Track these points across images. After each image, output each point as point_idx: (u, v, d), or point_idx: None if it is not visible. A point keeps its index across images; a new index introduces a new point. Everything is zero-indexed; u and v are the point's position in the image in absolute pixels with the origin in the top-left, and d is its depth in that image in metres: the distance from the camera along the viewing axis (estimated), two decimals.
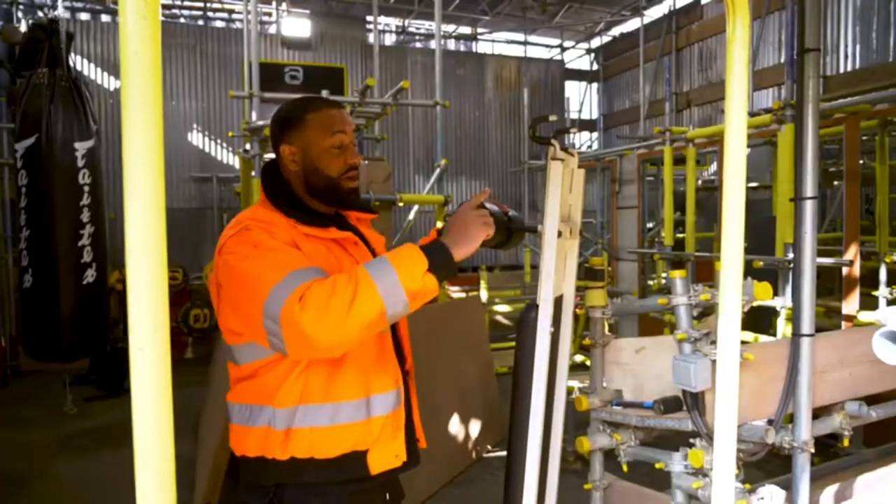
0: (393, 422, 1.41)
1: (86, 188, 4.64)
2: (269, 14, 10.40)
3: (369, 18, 8.80)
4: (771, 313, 4.68)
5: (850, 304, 4.00)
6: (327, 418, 1.34)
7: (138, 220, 0.63)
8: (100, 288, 4.78)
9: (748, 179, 7.61)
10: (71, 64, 5.06)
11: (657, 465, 1.85)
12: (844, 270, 4.12)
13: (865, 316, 3.02)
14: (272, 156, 1.55)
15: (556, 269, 1.72)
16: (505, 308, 8.00)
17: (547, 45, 12.57)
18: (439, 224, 1.79)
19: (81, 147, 4.64)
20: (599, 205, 8.68)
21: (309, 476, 1.34)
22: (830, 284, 5.12)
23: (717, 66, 9.22)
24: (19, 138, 4.54)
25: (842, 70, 7.52)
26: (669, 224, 5.68)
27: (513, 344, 3.06)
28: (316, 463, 1.34)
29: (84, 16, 9.75)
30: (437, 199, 4.59)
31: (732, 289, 1.06)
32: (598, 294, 2.09)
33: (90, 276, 4.64)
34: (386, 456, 1.40)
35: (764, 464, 2.94)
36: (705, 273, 7.17)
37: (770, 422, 1.81)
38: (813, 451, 1.79)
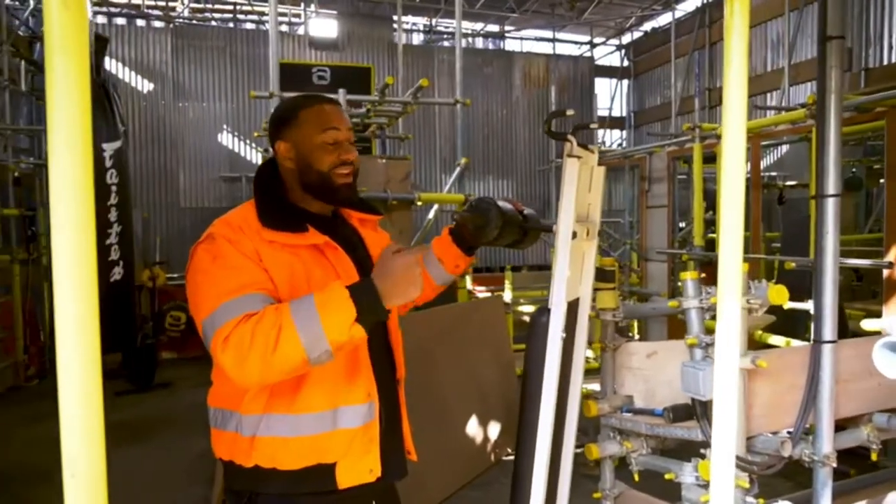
0: (364, 435, 1.37)
1: (113, 188, 4.74)
2: (298, 16, 10.50)
3: (396, 18, 8.79)
4: (805, 317, 4.50)
5: (892, 309, 3.80)
6: (289, 429, 1.32)
7: (63, 211, 0.60)
8: (127, 285, 4.88)
9: (784, 178, 7.37)
10: (106, 67, 5.19)
11: (667, 476, 1.77)
12: (885, 273, 3.92)
13: (869, 324, 2.85)
14: None
15: (572, 271, 1.65)
16: (530, 308, 7.90)
17: (576, 42, 12.39)
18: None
19: (109, 148, 4.74)
20: (628, 204, 8.50)
21: (274, 487, 1.33)
22: (875, 287, 4.89)
23: (752, 59, 8.93)
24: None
25: (885, 62, 7.20)
26: (699, 224, 5.51)
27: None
28: (279, 474, 1.32)
29: (120, 20, 9.99)
30: (457, 199, 4.54)
31: (731, 288, 0.99)
32: (608, 296, 2.02)
33: (117, 273, 4.74)
34: (356, 470, 1.36)
35: (794, 474, 2.81)
36: None
37: (789, 433, 1.71)
38: (835, 465, 1.69)
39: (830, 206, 1.59)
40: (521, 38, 12.23)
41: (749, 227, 5.89)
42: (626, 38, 12.29)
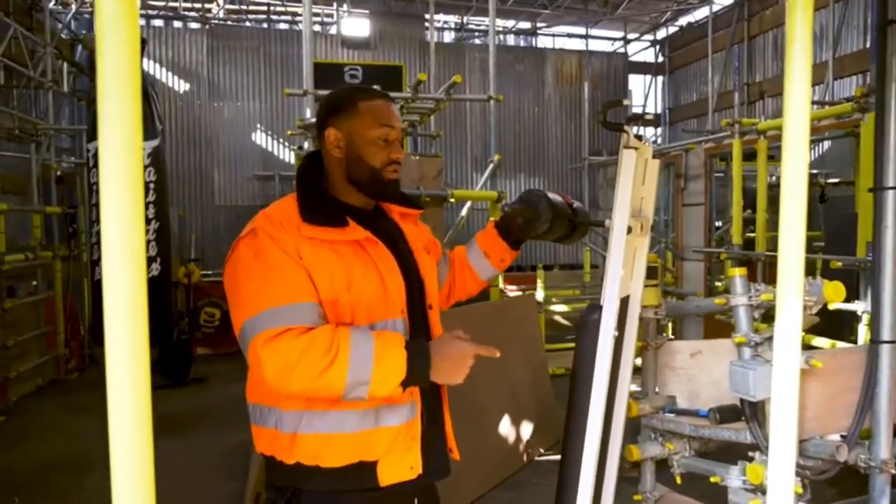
0: (406, 433, 1.35)
1: (151, 185, 4.82)
2: (331, 15, 10.58)
3: (428, 16, 8.78)
4: (852, 318, 4.34)
5: None
6: (332, 426, 1.30)
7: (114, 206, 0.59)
8: (163, 281, 4.96)
9: (826, 175, 7.13)
10: (144, 67, 5.30)
11: (712, 479, 1.70)
12: None
13: None
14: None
15: (624, 267, 1.60)
16: (562, 308, 7.82)
17: (609, 38, 12.21)
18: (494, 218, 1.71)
19: (147, 146, 4.82)
20: (663, 201, 8.33)
21: (316, 484, 1.32)
22: None
23: None
24: (90, 139, 4.77)
25: None
26: (738, 222, 5.37)
27: (570, 345, 2.95)
28: (322, 471, 1.31)
29: (157, 22, 10.20)
30: (490, 196, 4.50)
31: (792, 284, 0.94)
32: (650, 293, 1.96)
33: (154, 269, 4.83)
34: (398, 468, 1.34)
35: (839, 480, 2.70)
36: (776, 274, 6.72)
37: (843, 437, 1.64)
38: (894, 471, 1.60)
39: (891, 198, 1.51)
40: (554, 35, 12.11)
41: None
42: (661, 34, 12.06)
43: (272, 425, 1.33)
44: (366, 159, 1.40)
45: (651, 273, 1.97)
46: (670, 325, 7.26)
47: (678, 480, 1.93)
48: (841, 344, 4.10)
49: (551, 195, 1.50)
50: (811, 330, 4.40)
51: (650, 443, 1.93)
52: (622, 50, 11.96)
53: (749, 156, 5.74)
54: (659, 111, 12.12)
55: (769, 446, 0.97)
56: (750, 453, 1.60)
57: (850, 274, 4.32)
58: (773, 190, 9.09)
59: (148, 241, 4.83)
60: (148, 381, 0.61)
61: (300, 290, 1.27)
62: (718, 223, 7.61)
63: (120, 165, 0.59)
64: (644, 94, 11.90)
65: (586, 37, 11.74)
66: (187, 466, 4.16)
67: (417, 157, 4.14)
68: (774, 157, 8.56)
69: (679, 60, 11.66)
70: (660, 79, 12.07)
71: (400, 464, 1.35)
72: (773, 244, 7.98)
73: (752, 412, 1.51)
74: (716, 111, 9.41)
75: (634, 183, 1.48)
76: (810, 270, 6.17)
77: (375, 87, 4.08)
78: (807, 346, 4.53)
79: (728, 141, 5.70)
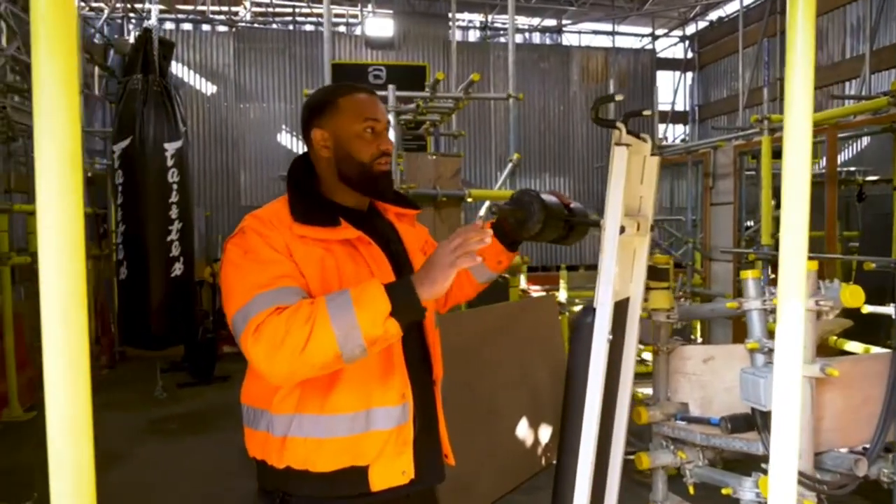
0: (397, 437, 1.32)
1: (174, 186, 4.89)
2: (356, 16, 10.63)
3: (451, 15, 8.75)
4: (888, 322, 4.16)
5: None
6: (322, 430, 1.28)
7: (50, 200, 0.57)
8: (187, 281, 5.03)
9: (864, 173, 6.87)
10: (171, 70, 5.38)
11: (724, 491, 1.63)
12: None
13: None
14: None
15: (622, 268, 1.55)
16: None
17: (637, 35, 12.01)
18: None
19: (171, 147, 4.89)
20: (690, 201, 8.15)
21: (306, 489, 1.29)
22: None
23: (828, 46, 8.39)
24: (116, 140, 4.86)
25: None
26: (767, 222, 5.20)
27: None
28: (312, 476, 1.28)
29: (186, 26, 10.38)
30: (508, 195, 4.43)
31: (793, 287, 0.87)
32: (662, 295, 1.89)
33: (178, 269, 4.90)
34: (390, 473, 1.31)
35: (871, 492, 2.58)
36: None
37: (865, 450, 1.55)
38: None
39: None
40: (580, 32, 11.96)
41: (824, 225, 5.52)
42: (690, 29, 11.81)
43: (263, 428, 1.31)
44: (354, 155, 1.37)
45: (662, 275, 1.90)
46: (698, 327, 7.10)
47: (691, 490, 1.85)
48: (876, 349, 3.93)
49: (544, 196, 1.45)
50: (844, 333, 4.23)
51: (661, 451, 1.86)
52: (650, 46, 11.74)
53: (780, 153, 5.56)
54: (687, 108, 11.88)
55: (769, 461, 0.91)
56: (763, 465, 1.52)
57: (888, 276, 4.14)
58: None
59: (171, 241, 4.90)
60: (87, 383, 0.59)
61: (285, 276, 1.24)
62: (749, 223, 7.41)
63: (57, 156, 0.56)
64: (672, 90, 11.67)
65: (613, 33, 11.57)
66: (210, 463, 4.21)
67: (434, 157, 4.11)
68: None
69: (709, 56, 11.40)
70: (689, 75, 11.83)
71: (391, 469, 1.32)
72: (811, 245, 7.73)
73: (764, 422, 1.44)
74: (747, 108, 9.15)
75: (630, 181, 1.42)
76: (846, 272, 5.95)
77: (390, 85, 4.04)
78: (839, 351, 4.36)
79: (758, 138, 5.53)
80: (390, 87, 3.91)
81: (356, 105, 1.39)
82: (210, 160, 9.81)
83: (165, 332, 4.91)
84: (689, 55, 11.82)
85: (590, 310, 1.41)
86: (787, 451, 0.90)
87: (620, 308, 1.57)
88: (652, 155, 1.64)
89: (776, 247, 5.32)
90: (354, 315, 1.14)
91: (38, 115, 0.56)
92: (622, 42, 11.81)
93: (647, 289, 1.97)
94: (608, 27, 11.59)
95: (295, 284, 1.24)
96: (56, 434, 0.58)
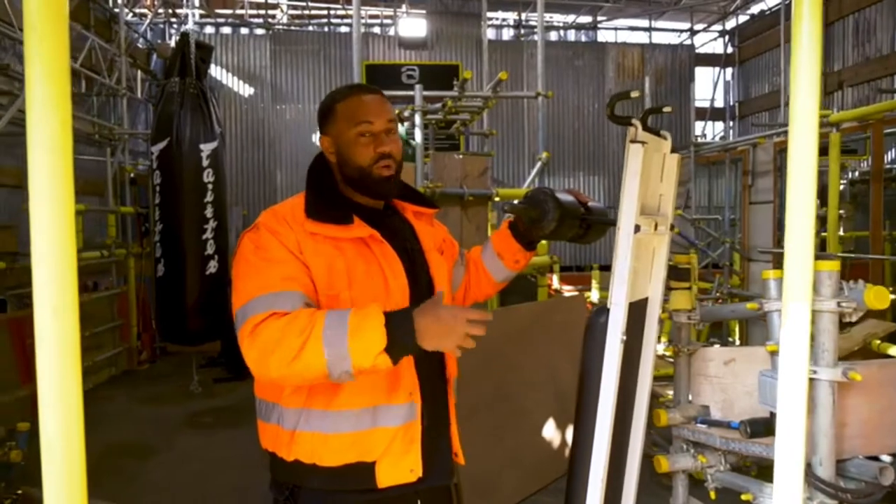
0: (405, 435, 1.33)
1: (209, 186, 5.03)
2: (390, 17, 10.70)
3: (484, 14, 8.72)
4: None
5: None
6: (328, 425, 1.30)
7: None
8: (222, 278, 5.16)
9: None
10: (210, 73, 5.53)
11: (743, 497, 1.59)
12: None
13: None
14: None
15: (642, 267, 1.53)
16: None
17: (675, 30, 11.76)
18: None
19: (206, 148, 5.03)
20: (728, 200, 7.94)
21: (314, 482, 1.32)
22: None
23: (877, 38, 8.06)
24: (154, 141, 5.03)
25: None
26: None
27: None
28: (320, 470, 1.31)
29: (226, 30, 10.63)
30: None
31: (798, 288, 0.85)
32: (683, 296, 1.86)
33: (213, 267, 5.03)
34: (397, 470, 1.32)
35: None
36: (858, 276, 6.26)
37: (894, 457, 1.49)
38: None
39: None
40: (615, 29, 11.78)
41: (869, 224, 5.31)
42: (731, 24, 11.50)
43: (274, 421, 1.34)
44: (353, 160, 1.39)
45: (683, 275, 1.86)
46: (737, 328, 6.92)
47: (712, 496, 1.81)
48: None
49: (560, 194, 1.44)
50: (890, 338, 4.06)
51: (681, 454, 1.83)
52: (688, 42, 11.48)
53: (822, 150, 5.37)
54: (727, 105, 11.58)
55: (774, 469, 0.88)
56: None
57: None
58: (855, 186, 8.49)
59: (206, 240, 5.04)
60: (79, 377, 0.61)
61: (290, 279, 1.26)
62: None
63: (50, 159, 0.59)
64: (712, 87, 11.39)
65: (649, 29, 11.36)
66: (241, 456, 4.31)
67: (462, 156, 4.11)
68: (857, 150, 7.99)
69: (749, 51, 11.08)
70: (728, 70, 11.52)
71: (399, 466, 1.33)
72: (858, 245, 7.43)
73: None
74: (788, 103, 8.87)
75: (650, 180, 1.40)
76: (895, 273, 5.71)
77: (417, 86, 4.05)
78: (882, 355, 4.18)
79: None
80: (416, 86, 3.93)
81: (351, 110, 1.40)
82: (247, 160, 10.03)
83: (201, 329, 5.05)
84: (729, 50, 11.51)
85: (603, 310, 1.39)
86: (792, 457, 0.88)
87: (639, 308, 1.55)
88: (672, 152, 1.62)
89: (823, 247, 5.15)
90: (347, 346, 1.15)
91: (31, 125, 0.59)
92: (659, 38, 11.58)
93: (668, 289, 1.94)
94: (645, 23, 11.38)
95: (298, 288, 1.26)
96: (49, 427, 0.61)
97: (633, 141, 1.34)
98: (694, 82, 10.56)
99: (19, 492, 2.55)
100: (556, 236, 1.49)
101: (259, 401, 1.40)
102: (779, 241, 6.39)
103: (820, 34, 0.87)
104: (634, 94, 1.39)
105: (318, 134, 1.49)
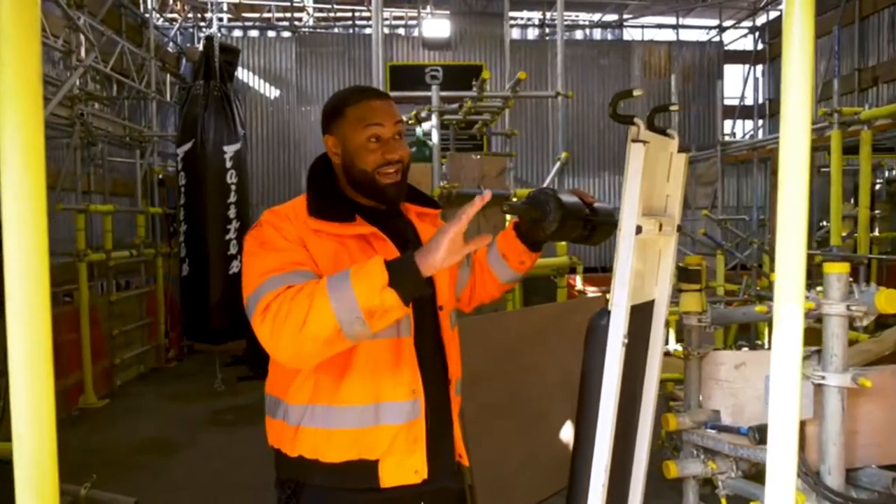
0: (408, 433, 1.33)
1: (233, 187, 5.12)
2: (414, 17, 10.73)
3: (510, 14, 8.69)
4: None
5: None
6: (331, 421, 1.30)
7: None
8: None
9: None
10: (237, 75, 5.63)
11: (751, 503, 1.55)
12: None
13: None
14: None
15: (648, 269, 1.51)
16: None
17: (703, 27, 11.54)
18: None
19: (230, 150, 5.12)
20: (756, 200, 7.77)
21: (317, 479, 1.32)
22: None
23: None
24: (179, 143, 5.14)
25: None
26: (836, 221, 4.90)
27: None
28: (322, 466, 1.31)
29: (253, 33, 10.78)
30: None
31: (790, 289, 0.83)
32: (692, 298, 1.82)
33: (235, 266, 5.12)
34: (401, 470, 1.33)
35: None
36: (894, 278, 6.07)
37: None
38: None
39: None
40: (642, 27, 11.62)
41: None
42: (761, 19, 11.24)
43: (280, 417, 1.35)
44: (358, 164, 1.39)
45: (693, 277, 1.83)
46: (766, 331, 6.76)
47: (723, 503, 1.77)
48: None
49: (562, 194, 1.42)
50: None
51: (691, 460, 1.79)
52: (717, 38, 11.26)
53: (852, 149, 5.22)
54: (757, 103, 11.32)
55: (766, 480, 0.86)
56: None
57: None
58: (892, 185, 8.22)
59: (230, 240, 5.13)
60: (50, 375, 0.62)
61: (297, 263, 1.27)
62: (824, 223, 7.00)
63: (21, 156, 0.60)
64: (742, 84, 11.15)
65: (676, 27, 11.17)
66: (260, 454, 4.35)
67: (479, 156, 4.10)
68: (894, 148, 7.72)
69: (781, 47, 10.81)
70: (759, 68, 11.26)
71: (403, 466, 1.33)
72: (890, 246, 7.19)
73: None
74: (821, 100, 8.64)
75: (655, 179, 1.37)
76: None
77: (434, 86, 4.04)
78: None
79: (829, 132, 5.21)
80: (433, 87, 3.93)
81: (361, 114, 1.40)
82: (273, 161, 10.16)
83: (224, 328, 5.14)
84: (760, 46, 11.26)
85: (605, 312, 1.37)
86: (784, 466, 0.85)
87: (644, 310, 1.52)
88: (679, 152, 1.58)
89: (854, 248, 5.00)
90: (351, 287, 1.15)
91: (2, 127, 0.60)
92: (687, 35, 11.38)
93: (679, 291, 1.90)
94: (672, 20, 11.20)
95: (305, 269, 1.26)
96: (20, 425, 0.62)
97: (634, 140, 1.32)
98: (722, 80, 10.34)
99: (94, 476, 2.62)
100: (560, 237, 1.48)
101: (267, 396, 1.41)
102: (810, 242, 6.22)
103: (812, 28, 0.84)
104: (637, 93, 1.37)
105: None
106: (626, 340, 1.33)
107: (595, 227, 1.52)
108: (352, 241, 1.35)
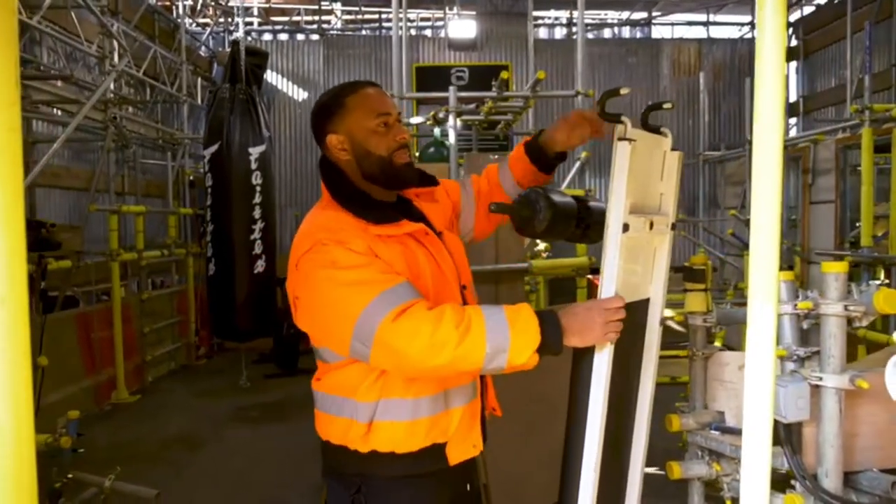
0: (470, 412, 1.39)
1: (258, 188, 5.23)
2: (440, 18, 10.77)
3: (536, 13, 8.66)
4: None
5: None
6: (408, 413, 1.32)
7: None
8: (268, 277, 5.36)
9: None
10: (266, 78, 5.75)
11: None
12: None
13: None
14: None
15: (642, 268, 1.51)
16: (668, 312, 7.36)
17: (735, 24, 11.31)
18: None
19: (255, 152, 5.23)
20: (787, 199, 7.58)
21: (391, 470, 1.34)
22: None
23: None
24: (206, 145, 5.28)
25: None
26: (867, 221, 4.76)
27: (675, 352, 2.77)
28: (397, 457, 1.33)
29: (283, 36, 10.96)
30: (577, 194, 4.35)
31: (763, 289, 0.83)
32: (697, 298, 1.81)
33: (260, 266, 5.23)
34: (464, 446, 1.38)
35: None
36: None
37: None
38: None
39: None
40: (671, 24, 11.44)
41: None
42: (795, 15, 10.96)
43: (347, 415, 1.34)
44: (373, 151, 1.38)
45: (698, 276, 1.81)
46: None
47: None
48: None
49: (553, 194, 1.43)
50: None
51: (695, 461, 1.78)
52: (749, 35, 11.03)
53: (883, 147, 5.07)
54: (793, 99, 11.04)
55: (740, 484, 0.86)
56: (792, 481, 1.42)
57: None
58: None
59: (254, 240, 5.24)
60: (28, 366, 0.66)
61: (387, 272, 1.26)
62: (858, 223, 6.80)
63: None
64: None
65: (707, 24, 10.97)
66: (283, 451, 4.45)
67: (496, 157, 4.10)
68: None
69: (816, 43, 10.52)
70: (792, 64, 10.99)
71: (465, 442, 1.39)
72: None
73: (787, 435, 1.34)
74: (856, 98, 8.38)
75: (649, 177, 1.37)
76: None
77: (451, 87, 4.05)
78: None
79: (860, 130, 5.07)
80: (451, 88, 3.95)
81: (365, 101, 1.40)
82: (300, 163, 10.32)
83: (249, 326, 5.25)
84: (794, 42, 10.97)
85: None
86: (757, 471, 0.85)
87: (638, 310, 1.52)
88: (673, 150, 1.58)
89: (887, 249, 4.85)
90: (508, 338, 1.18)
91: None
92: (718, 32, 11.17)
93: (684, 291, 1.89)
94: (702, 17, 11.01)
95: (404, 280, 1.26)
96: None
97: (620, 139, 1.32)
98: (753, 77, 10.13)
99: (70, 476, 2.72)
100: (551, 236, 1.49)
101: (323, 395, 1.38)
102: (841, 242, 6.07)
103: (784, 27, 0.85)
104: (624, 91, 1.38)
105: None
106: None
107: (589, 225, 1.52)
108: (409, 240, 1.37)
